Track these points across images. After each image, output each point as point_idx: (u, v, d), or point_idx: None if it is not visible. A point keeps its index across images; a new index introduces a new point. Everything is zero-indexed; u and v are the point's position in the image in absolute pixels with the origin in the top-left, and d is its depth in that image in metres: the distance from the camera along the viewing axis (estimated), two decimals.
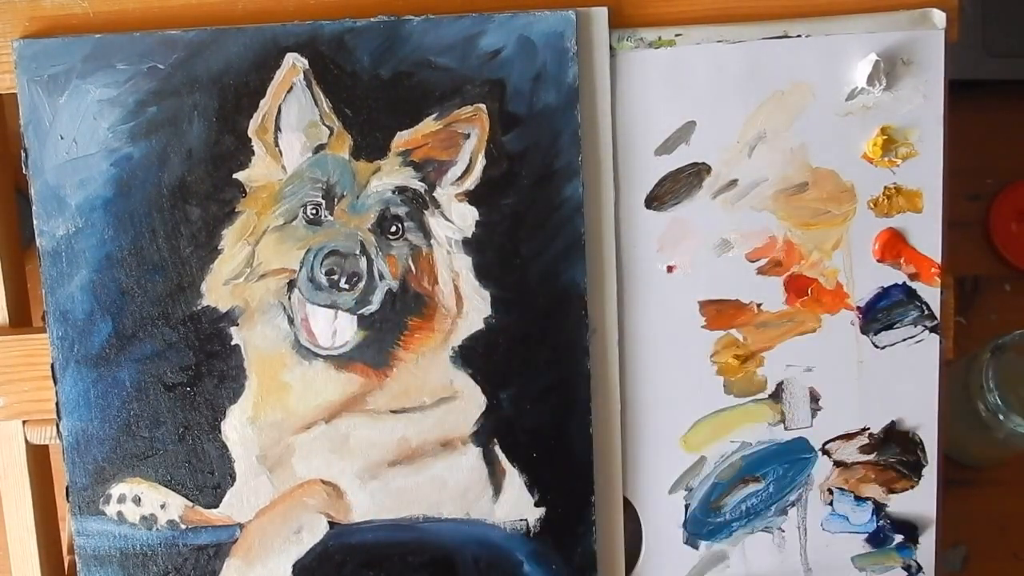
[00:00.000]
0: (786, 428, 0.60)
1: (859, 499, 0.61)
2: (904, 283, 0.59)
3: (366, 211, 0.56)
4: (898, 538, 0.61)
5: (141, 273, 0.56)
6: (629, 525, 0.60)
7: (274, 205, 0.56)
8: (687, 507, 0.60)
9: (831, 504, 0.61)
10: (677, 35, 0.57)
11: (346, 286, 0.56)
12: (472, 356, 0.57)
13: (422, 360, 0.57)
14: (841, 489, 0.61)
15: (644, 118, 0.58)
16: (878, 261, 0.59)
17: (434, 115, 0.56)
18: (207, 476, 0.57)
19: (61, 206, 0.56)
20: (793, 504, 0.61)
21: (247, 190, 0.56)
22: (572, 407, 0.57)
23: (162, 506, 0.57)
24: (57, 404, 0.56)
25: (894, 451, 0.61)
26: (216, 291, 0.56)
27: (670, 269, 0.59)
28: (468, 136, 0.56)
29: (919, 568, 0.61)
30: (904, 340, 0.60)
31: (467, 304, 0.57)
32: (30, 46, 0.55)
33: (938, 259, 0.59)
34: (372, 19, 0.56)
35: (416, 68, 0.56)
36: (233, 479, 0.57)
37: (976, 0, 0.74)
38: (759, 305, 0.59)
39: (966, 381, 0.68)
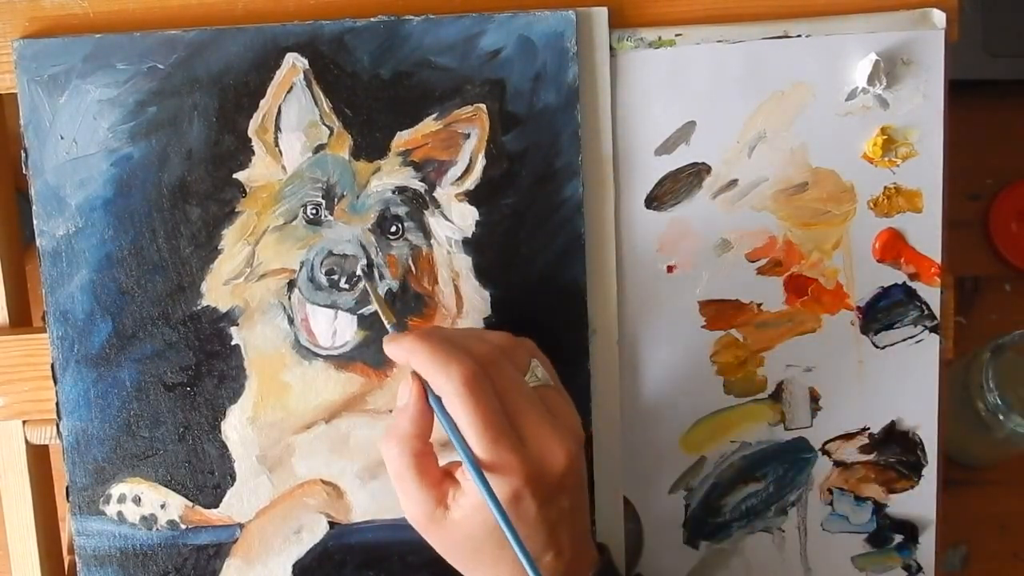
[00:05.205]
0: (786, 428, 0.60)
1: (859, 499, 0.61)
2: (904, 283, 0.59)
3: (366, 211, 0.56)
4: (898, 538, 0.61)
5: (141, 273, 0.56)
6: (629, 525, 0.60)
7: (274, 205, 0.56)
8: (687, 507, 0.60)
9: (831, 504, 0.61)
10: (677, 35, 0.57)
11: (346, 286, 0.56)
12: None
13: None
14: (841, 489, 0.61)
15: (644, 118, 0.58)
16: (878, 261, 0.59)
17: (434, 115, 0.56)
18: (207, 476, 0.57)
19: (61, 206, 0.56)
20: (793, 504, 0.61)
21: (247, 190, 0.56)
22: None
23: (162, 506, 0.57)
24: (57, 404, 0.56)
25: (894, 451, 0.61)
26: (216, 291, 0.56)
27: (670, 269, 0.59)
28: (468, 136, 0.56)
29: (919, 568, 0.61)
30: (904, 340, 0.60)
31: (467, 304, 0.57)
32: (30, 46, 0.55)
33: (938, 259, 0.59)
34: (372, 19, 0.56)
35: (416, 68, 0.56)
36: (233, 479, 0.57)
37: (976, 0, 0.74)
38: (759, 305, 0.59)
39: (966, 381, 0.68)
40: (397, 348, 0.48)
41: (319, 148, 0.56)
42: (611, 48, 0.57)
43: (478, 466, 0.45)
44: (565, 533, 0.48)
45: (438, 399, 0.47)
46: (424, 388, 0.47)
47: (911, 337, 0.60)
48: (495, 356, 0.47)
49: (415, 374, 0.48)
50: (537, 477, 0.46)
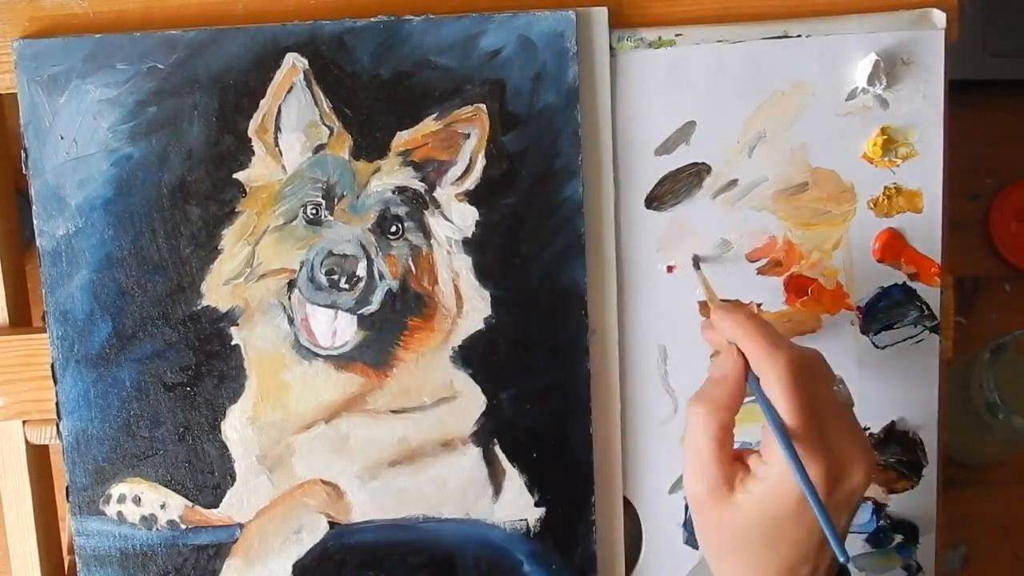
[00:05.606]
0: None
1: None
2: (904, 283, 0.59)
3: (366, 211, 0.56)
4: (898, 538, 0.61)
5: (141, 273, 0.56)
6: (629, 525, 0.60)
7: (274, 205, 0.56)
8: (687, 507, 0.60)
9: None
10: (677, 35, 0.57)
11: (346, 286, 0.56)
12: (472, 356, 0.57)
13: (422, 360, 0.57)
14: None
15: (644, 118, 0.58)
16: (878, 261, 0.59)
17: (434, 115, 0.56)
18: (207, 476, 0.57)
19: (61, 206, 0.56)
20: None
21: (247, 190, 0.56)
22: (572, 407, 0.57)
23: (162, 506, 0.57)
24: (57, 404, 0.56)
25: (894, 451, 0.61)
26: (216, 291, 0.56)
27: (670, 269, 0.59)
28: (468, 136, 0.56)
29: (919, 568, 0.61)
30: (904, 340, 0.60)
31: (467, 304, 0.57)
32: (30, 46, 0.55)
33: (938, 259, 0.59)
34: (372, 19, 0.56)
35: (416, 68, 0.56)
36: (233, 479, 0.57)
37: (976, 0, 0.74)
38: (759, 305, 0.59)
39: (966, 381, 0.68)
40: (728, 321, 0.49)
41: (319, 148, 0.56)
42: (611, 48, 0.57)
43: (792, 444, 0.44)
44: (826, 551, 0.47)
45: (756, 379, 0.48)
46: (746, 365, 0.48)
47: (911, 337, 0.60)
48: (814, 356, 0.48)
49: (738, 350, 0.48)
50: (835, 480, 0.45)
